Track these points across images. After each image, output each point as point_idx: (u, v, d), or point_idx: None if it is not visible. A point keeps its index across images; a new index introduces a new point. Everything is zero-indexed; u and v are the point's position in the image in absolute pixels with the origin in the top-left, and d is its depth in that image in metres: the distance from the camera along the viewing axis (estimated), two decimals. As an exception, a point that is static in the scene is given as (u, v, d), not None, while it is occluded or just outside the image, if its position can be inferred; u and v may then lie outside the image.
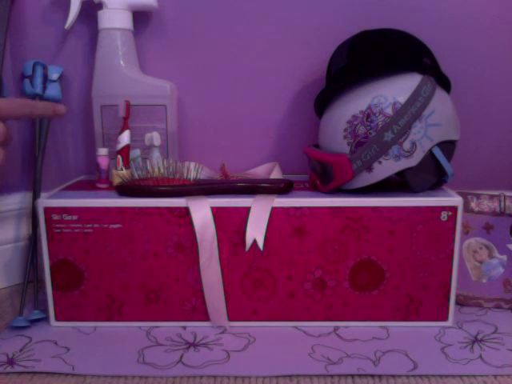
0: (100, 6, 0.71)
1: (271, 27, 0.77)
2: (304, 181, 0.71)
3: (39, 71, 0.74)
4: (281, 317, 0.63)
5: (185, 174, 0.63)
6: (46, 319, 0.64)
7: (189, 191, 0.61)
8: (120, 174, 0.65)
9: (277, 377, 0.53)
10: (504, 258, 0.66)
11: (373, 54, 0.62)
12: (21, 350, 0.58)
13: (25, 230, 0.80)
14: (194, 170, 0.63)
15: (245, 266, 0.61)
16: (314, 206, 0.59)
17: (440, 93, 0.62)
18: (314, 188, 0.65)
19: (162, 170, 0.63)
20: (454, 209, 0.59)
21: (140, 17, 0.76)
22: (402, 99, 0.58)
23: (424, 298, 0.62)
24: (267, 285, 0.62)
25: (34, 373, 0.54)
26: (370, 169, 0.60)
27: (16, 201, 0.79)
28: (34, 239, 0.69)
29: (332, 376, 0.53)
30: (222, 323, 0.63)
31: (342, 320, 0.63)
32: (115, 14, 0.71)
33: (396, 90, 0.59)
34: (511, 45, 0.77)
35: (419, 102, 0.58)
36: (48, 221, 0.60)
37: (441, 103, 0.61)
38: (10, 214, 0.79)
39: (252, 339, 0.60)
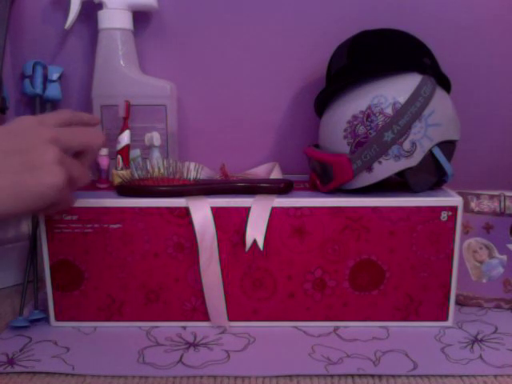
0: (100, 6, 0.71)
1: (271, 27, 0.77)
2: (304, 181, 0.71)
3: (39, 71, 0.74)
4: (281, 317, 0.63)
5: (185, 174, 0.63)
6: (46, 319, 0.64)
7: (189, 191, 0.61)
8: (120, 174, 0.64)
9: (277, 377, 0.53)
10: (504, 258, 0.66)
11: (373, 54, 0.62)
12: (21, 350, 0.58)
13: (25, 229, 0.80)
14: (194, 170, 0.63)
15: (245, 266, 0.61)
16: (314, 206, 0.59)
17: (440, 93, 0.62)
18: (314, 188, 0.65)
19: (162, 170, 0.63)
20: (454, 209, 0.59)
21: (140, 17, 0.76)
22: (402, 99, 0.58)
23: (424, 298, 0.62)
24: (267, 285, 0.62)
25: (34, 373, 0.54)
26: (370, 169, 0.60)
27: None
28: (33, 239, 0.69)
29: (332, 376, 0.53)
30: (222, 323, 0.63)
31: (342, 320, 0.63)
32: (115, 14, 0.71)
33: (396, 90, 0.59)
34: (511, 44, 0.77)
35: (419, 102, 0.58)
36: (48, 221, 0.60)
37: (441, 103, 0.61)
38: (10, 214, 0.79)
39: (252, 339, 0.60)
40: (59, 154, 0.49)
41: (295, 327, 0.63)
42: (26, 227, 0.80)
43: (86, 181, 0.53)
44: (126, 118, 0.66)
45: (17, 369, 0.54)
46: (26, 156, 0.48)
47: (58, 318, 0.63)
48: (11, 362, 0.56)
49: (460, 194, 0.64)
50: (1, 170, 0.47)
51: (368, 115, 0.59)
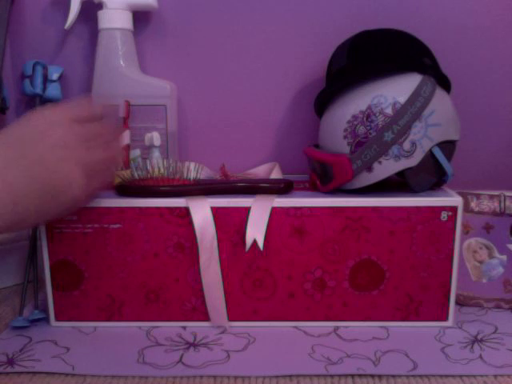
0: (100, 6, 0.71)
1: (271, 27, 0.77)
2: (304, 181, 0.71)
3: (39, 71, 0.74)
4: (281, 317, 0.63)
5: (185, 174, 0.63)
6: (46, 319, 0.64)
7: (189, 191, 0.61)
8: (120, 174, 0.64)
9: (277, 377, 0.53)
10: (504, 258, 0.66)
11: (373, 53, 0.62)
12: (21, 350, 0.58)
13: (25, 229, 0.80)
14: (194, 170, 0.63)
15: (245, 266, 0.61)
16: (314, 206, 0.59)
17: (440, 93, 0.62)
18: (314, 188, 0.65)
19: (162, 170, 0.63)
20: (454, 209, 0.59)
21: (140, 17, 0.76)
22: (402, 99, 0.58)
23: (424, 298, 0.62)
24: (267, 285, 0.62)
25: (34, 373, 0.54)
26: (370, 169, 0.60)
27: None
28: (33, 239, 0.69)
29: (332, 376, 0.53)
30: (222, 323, 0.63)
31: (342, 320, 0.63)
32: (115, 14, 0.71)
33: (396, 90, 0.59)
34: (511, 45, 0.77)
35: (419, 102, 0.58)
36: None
37: (441, 103, 0.61)
38: (10, 214, 0.79)
39: (252, 339, 0.60)
40: (73, 155, 0.49)
41: (295, 327, 0.63)
42: (25, 227, 0.80)
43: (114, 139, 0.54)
44: (125, 118, 0.66)
45: (17, 369, 0.54)
46: (46, 170, 0.47)
47: (57, 318, 0.63)
48: (11, 362, 0.56)
49: (460, 194, 0.64)
50: (25, 193, 0.47)
51: (368, 115, 0.59)
